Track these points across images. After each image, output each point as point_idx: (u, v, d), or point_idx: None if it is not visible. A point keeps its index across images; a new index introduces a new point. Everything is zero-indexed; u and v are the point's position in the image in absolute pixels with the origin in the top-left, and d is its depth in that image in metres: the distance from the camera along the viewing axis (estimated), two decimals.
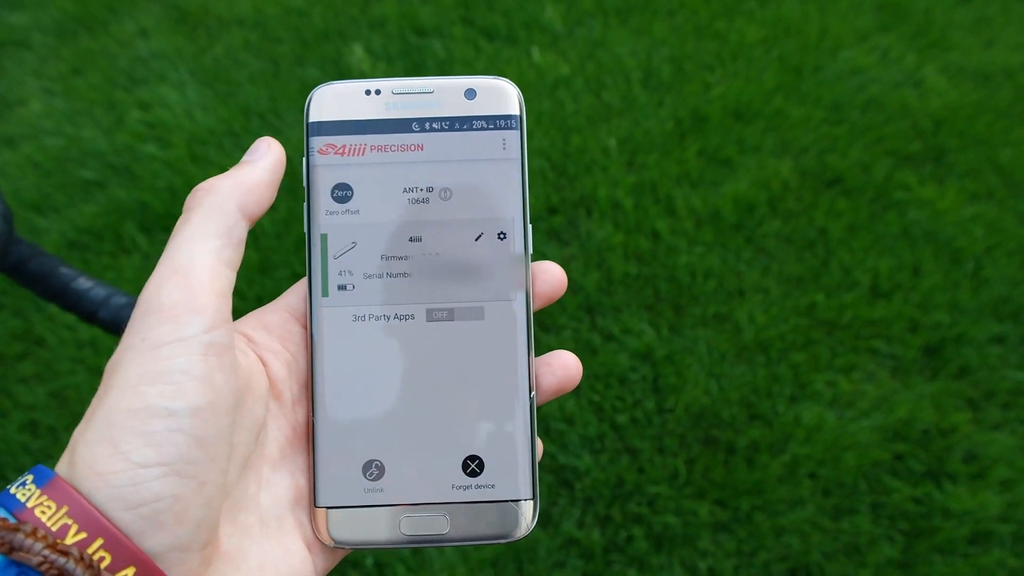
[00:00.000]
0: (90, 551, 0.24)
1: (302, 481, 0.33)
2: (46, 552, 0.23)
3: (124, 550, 0.24)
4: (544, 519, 1.12)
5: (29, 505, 0.25)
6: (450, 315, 0.34)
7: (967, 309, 1.33)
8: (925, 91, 1.69)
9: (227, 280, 0.29)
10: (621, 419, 1.20)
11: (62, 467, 0.26)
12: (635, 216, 1.45)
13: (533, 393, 0.34)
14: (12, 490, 0.26)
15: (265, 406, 0.32)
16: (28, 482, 0.26)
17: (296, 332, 0.34)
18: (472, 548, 1.08)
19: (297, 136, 1.58)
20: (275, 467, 0.33)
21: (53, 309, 1.35)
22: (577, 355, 0.36)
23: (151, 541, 0.25)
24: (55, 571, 0.23)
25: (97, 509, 0.25)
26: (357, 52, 1.78)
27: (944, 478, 1.15)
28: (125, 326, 0.28)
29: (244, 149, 1.60)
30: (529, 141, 1.58)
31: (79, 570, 0.24)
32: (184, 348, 0.27)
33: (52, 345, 1.31)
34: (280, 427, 0.33)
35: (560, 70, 1.72)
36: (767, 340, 1.28)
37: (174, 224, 0.30)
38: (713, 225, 1.44)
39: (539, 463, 0.34)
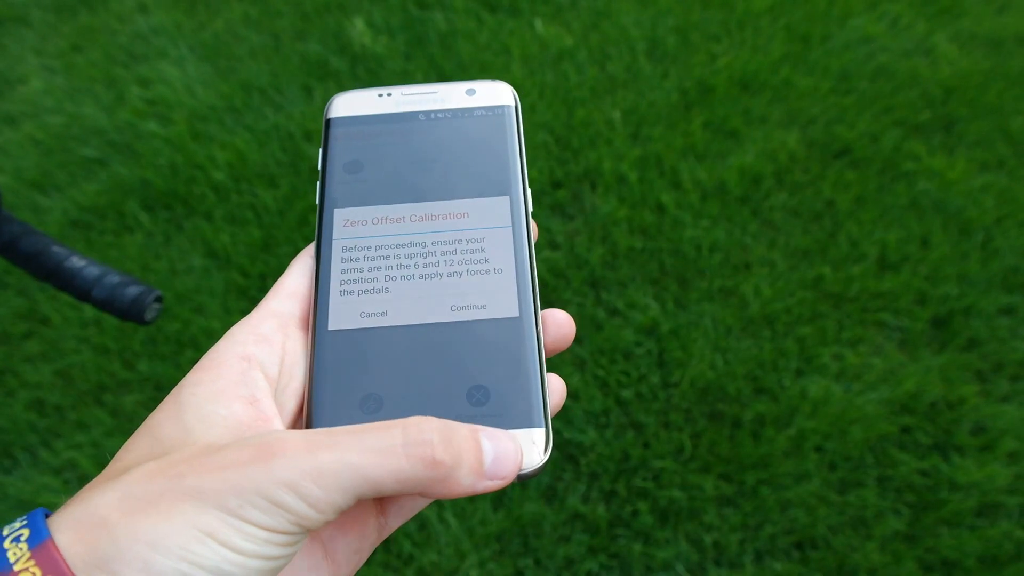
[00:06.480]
0: None
1: None
2: None
3: None
4: (549, 494, 1.12)
5: (16, 568, 0.23)
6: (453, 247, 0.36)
7: (976, 280, 1.31)
8: (935, 59, 1.66)
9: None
10: (626, 394, 1.19)
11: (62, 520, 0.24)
12: (640, 189, 1.44)
13: (539, 326, 0.33)
14: (6, 544, 0.24)
15: None
16: (22, 537, 0.24)
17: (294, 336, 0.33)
18: (478, 522, 1.08)
19: (298, 111, 1.57)
20: None
21: None
22: (582, 330, 0.35)
23: None
24: None
25: None
26: (358, 25, 1.76)
27: (951, 451, 1.14)
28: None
29: (245, 125, 1.60)
30: (533, 115, 1.56)
31: None
32: None
33: (57, 324, 1.31)
34: None
35: (564, 41, 1.70)
36: (773, 314, 1.27)
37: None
38: (719, 198, 1.43)
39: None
